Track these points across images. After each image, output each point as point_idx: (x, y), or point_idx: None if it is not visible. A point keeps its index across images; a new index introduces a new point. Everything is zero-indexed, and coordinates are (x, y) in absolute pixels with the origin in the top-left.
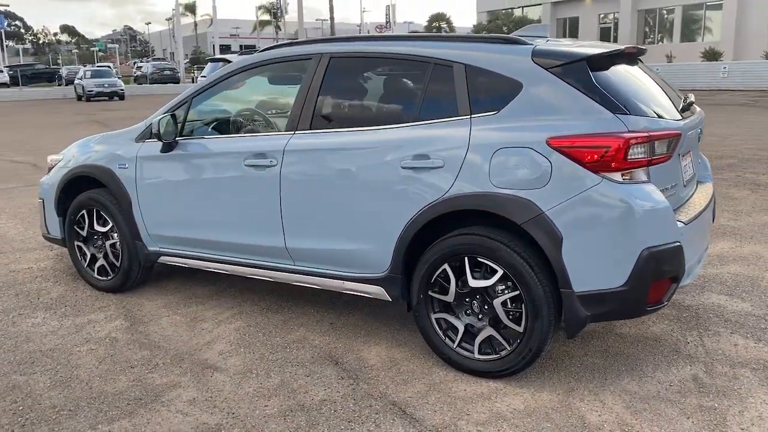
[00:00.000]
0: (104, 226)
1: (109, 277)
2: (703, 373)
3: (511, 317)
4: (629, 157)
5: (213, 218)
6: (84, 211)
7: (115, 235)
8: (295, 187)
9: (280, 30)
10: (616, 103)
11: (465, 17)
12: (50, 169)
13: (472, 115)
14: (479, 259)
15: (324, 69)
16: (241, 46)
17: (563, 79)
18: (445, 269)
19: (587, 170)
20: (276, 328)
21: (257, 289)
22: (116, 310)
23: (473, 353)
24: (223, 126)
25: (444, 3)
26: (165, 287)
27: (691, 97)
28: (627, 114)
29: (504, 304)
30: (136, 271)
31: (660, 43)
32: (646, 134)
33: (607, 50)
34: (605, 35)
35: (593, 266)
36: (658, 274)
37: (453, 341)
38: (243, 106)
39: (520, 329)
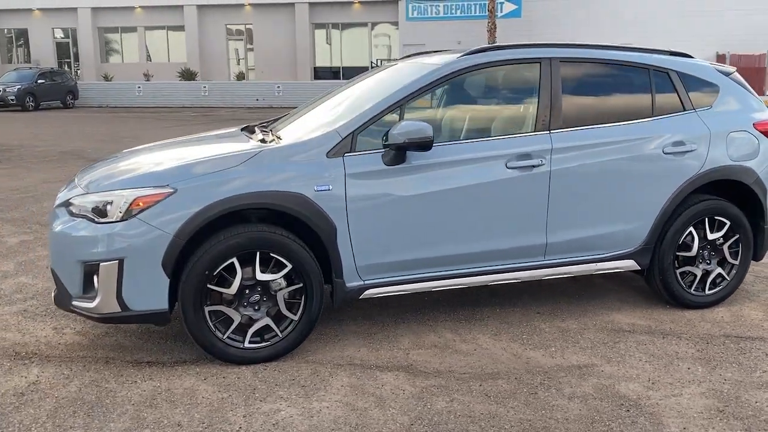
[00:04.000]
0: (275, 272)
1: (278, 339)
2: None
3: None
4: None
5: (460, 230)
6: (234, 260)
7: (281, 280)
8: (564, 183)
9: None
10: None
11: None
12: (109, 212)
13: (696, 110)
14: (715, 217)
15: (558, 71)
16: None
17: (737, 83)
18: (690, 231)
19: None
20: (528, 334)
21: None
22: (345, 377)
23: (704, 291)
24: (447, 130)
25: None
26: None
27: None
28: None
29: (729, 247)
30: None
31: (124, 61)
32: None
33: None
34: (63, 51)
35: None
36: None
37: (689, 288)
38: (455, 109)
39: (736, 262)
